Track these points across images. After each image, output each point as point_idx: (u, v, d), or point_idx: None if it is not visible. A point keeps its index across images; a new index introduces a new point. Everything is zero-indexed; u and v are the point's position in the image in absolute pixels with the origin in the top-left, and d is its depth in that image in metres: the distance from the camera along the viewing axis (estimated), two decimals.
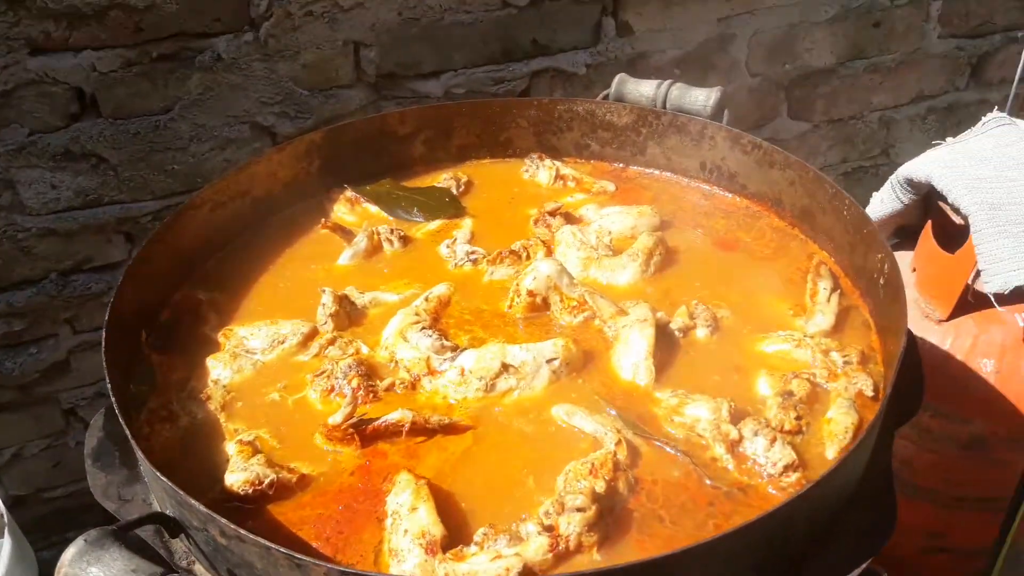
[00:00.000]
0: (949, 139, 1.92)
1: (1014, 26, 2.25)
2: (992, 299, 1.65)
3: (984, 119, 1.91)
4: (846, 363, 1.10)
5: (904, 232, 2.15)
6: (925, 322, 1.96)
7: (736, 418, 1.02)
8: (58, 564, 0.76)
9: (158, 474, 0.85)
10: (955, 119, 2.37)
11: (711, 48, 1.99)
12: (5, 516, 1.44)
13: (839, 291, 1.22)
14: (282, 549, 0.77)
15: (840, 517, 0.93)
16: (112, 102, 1.63)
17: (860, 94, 2.24)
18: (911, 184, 1.88)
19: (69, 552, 0.76)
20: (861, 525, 0.93)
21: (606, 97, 1.60)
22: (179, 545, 0.95)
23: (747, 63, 2.07)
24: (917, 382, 1.08)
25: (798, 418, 1.02)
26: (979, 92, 2.37)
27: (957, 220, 1.74)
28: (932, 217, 1.95)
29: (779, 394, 1.05)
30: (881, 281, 1.16)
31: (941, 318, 1.93)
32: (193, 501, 0.82)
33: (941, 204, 1.80)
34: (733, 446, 0.99)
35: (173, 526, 0.90)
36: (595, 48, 1.88)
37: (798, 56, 2.10)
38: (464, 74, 1.82)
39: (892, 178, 1.94)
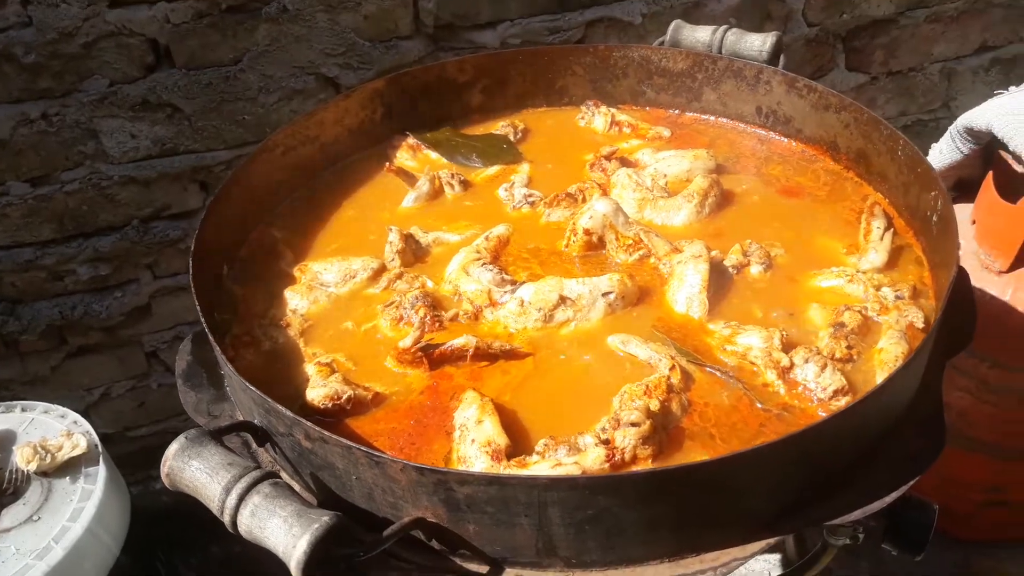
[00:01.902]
0: (1012, 88, 1.89)
1: None
2: None
3: None
4: (898, 297, 1.13)
5: (963, 185, 2.13)
6: (985, 273, 1.95)
7: (788, 347, 1.06)
8: (163, 458, 0.85)
9: (247, 384, 0.93)
10: (1020, 71, 2.32)
11: None
12: (99, 446, 1.55)
13: (892, 230, 1.24)
14: (362, 448, 0.84)
15: (889, 439, 0.97)
16: (185, 53, 1.71)
17: (921, 44, 2.21)
18: (971, 133, 1.87)
19: (172, 448, 0.85)
20: (909, 448, 0.97)
21: (661, 43, 1.62)
22: (265, 456, 1.03)
23: (804, 12, 2.05)
24: (968, 315, 1.11)
25: (849, 347, 1.05)
26: None
27: (1019, 169, 1.73)
28: (993, 168, 1.93)
29: (831, 325, 1.09)
30: (934, 218, 1.18)
31: (1001, 269, 1.93)
32: (280, 407, 0.90)
33: (1002, 153, 1.78)
34: (784, 372, 1.03)
35: (260, 435, 0.98)
36: None
37: (856, 5, 2.08)
38: (520, 24, 1.85)
39: (952, 127, 1.92)
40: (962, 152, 1.92)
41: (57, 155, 1.75)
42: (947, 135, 1.94)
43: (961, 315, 1.11)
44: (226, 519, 0.80)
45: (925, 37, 2.19)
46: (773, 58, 1.51)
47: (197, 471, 0.82)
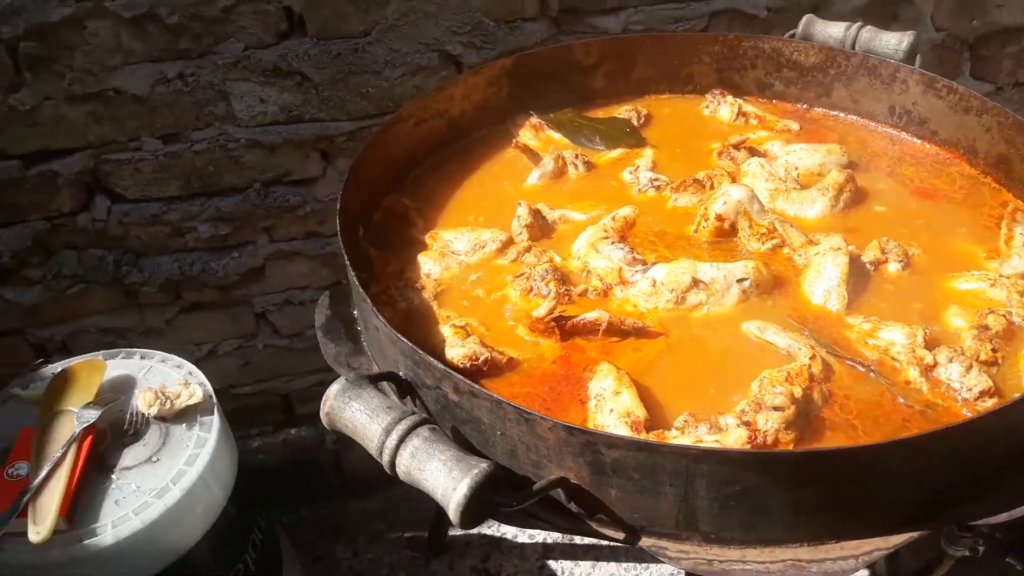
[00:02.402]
0: None
1: None
2: None
3: None
4: None
5: None
6: None
7: (930, 345, 1.04)
8: (324, 397, 0.88)
9: (399, 336, 0.96)
10: None
11: None
12: (213, 397, 1.61)
13: None
14: (513, 404, 0.86)
15: None
16: (318, 22, 1.76)
17: None
18: None
19: (334, 388, 0.88)
20: None
21: (792, 36, 1.60)
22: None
23: (933, 16, 2.00)
24: None
25: (994, 350, 1.03)
26: None
27: None
28: None
29: (974, 327, 1.07)
30: None
31: None
32: (431, 359, 0.92)
33: None
34: (927, 370, 1.01)
35: (403, 387, 1.01)
36: None
37: (988, 12, 2.01)
38: (644, 11, 1.85)
39: None
40: None
41: (189, 114, 1.82)
42: None
43: None
44: (385, 459, 0.83)
45: None
46: (909, 57, 1.48)
47: (358, 412, 0.85)
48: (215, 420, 1.57)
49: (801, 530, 0.87)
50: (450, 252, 1.28)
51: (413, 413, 0.85)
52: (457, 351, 1.06)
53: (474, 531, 2.17)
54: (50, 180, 1.81)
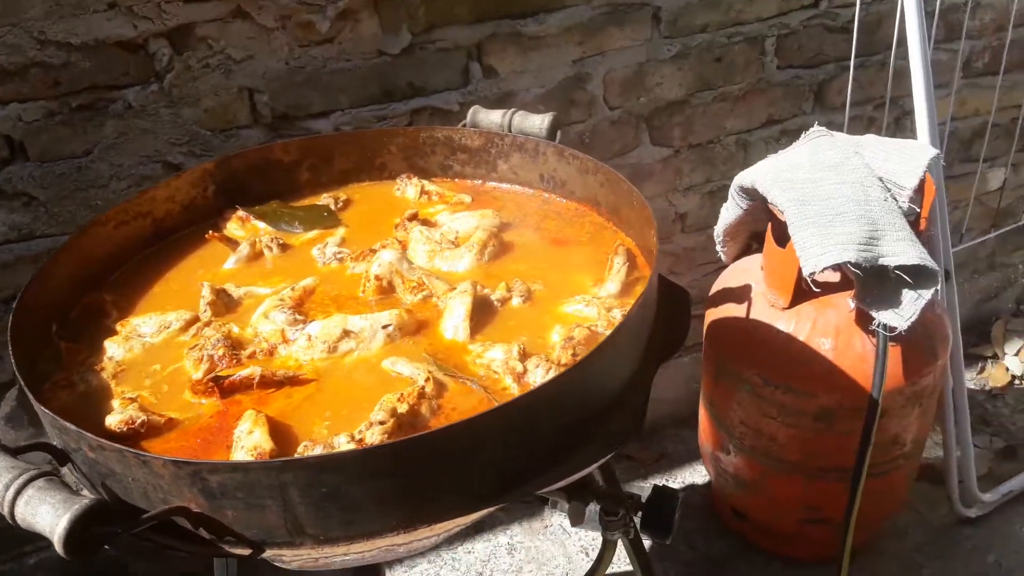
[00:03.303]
0: (780, 151, 2.22)
1: (844, 57, 2.59)
2: (809, 281, 1.93)
3: (807, 132, 2.23)
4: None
5: (759, 238, 2.44)
6: (772, 311, 2.24)
7: (525, 357, 1.27)
8: None
9: (43, 409, 1.08)
10: None
11: (570, 86, 2.29)
12: None
13: (628, 265, 1.49)
14: (131, 450, 1.00)
15: (600, 425, 1.17)
16: (38, 147, 1.89)
17: (714, 120, 2.55)
18: (743, 191, 2.18)
19: None
20: (615, 431, 1.17)
21: (463, 125, 1.89)
22: (70, 478, 1.17)
23: (605, 98, 2.37)
24: (678, 325, 1.35)
25: (574, 355, 1.27)
26: (825, 115, 2.69)
27: (782, 218, 2.04)
28: (771, 220, 2.25)
29: (564, 338, 1.31)
30: (654, 252, 1.43)
31: (784, 306, 2.22)
32: (67, 423, 1.05)
33: (770, 206, 2.09)
34: (519, 377, 1.23)
35: (60, 456, 1.12)
36: (466, 88, 2.18)
37: (650, 90, 2.41)
38: (350, 113, 2.10)
39: (731, 187, 2.24)
40: (741, 208, 2.23)
41: None
42: (729, 194, 2.26)
43: (674, 328, 1.35)
44: (5, 511, 0.94)
45: (716, 114, 2.54)
46: (552, 133, 1.79)
47: None
48: None
49: (393, 520, 1.04)
50: (136, 335, 1.41)
51: (35, 469, 0.97)
52: (115, 417, 1.18)
53: None
54: None
